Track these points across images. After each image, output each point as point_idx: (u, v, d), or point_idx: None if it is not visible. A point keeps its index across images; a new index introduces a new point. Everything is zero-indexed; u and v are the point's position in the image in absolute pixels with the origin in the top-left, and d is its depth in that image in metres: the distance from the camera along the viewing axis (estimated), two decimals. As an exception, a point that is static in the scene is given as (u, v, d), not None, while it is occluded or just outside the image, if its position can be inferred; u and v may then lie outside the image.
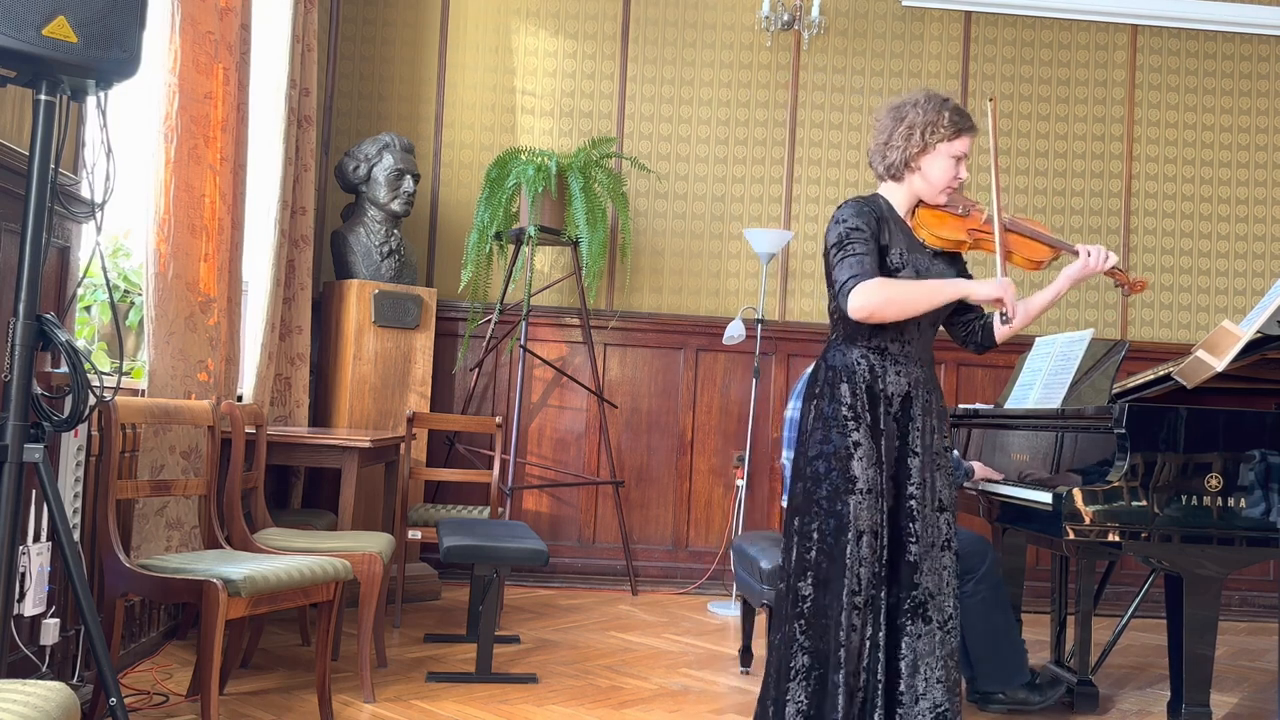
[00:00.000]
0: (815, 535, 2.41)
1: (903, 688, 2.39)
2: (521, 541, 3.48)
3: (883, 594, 2.39)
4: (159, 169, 3.34)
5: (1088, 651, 3.40)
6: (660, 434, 5.47)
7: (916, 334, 2.51)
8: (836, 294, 2.42)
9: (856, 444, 2.41)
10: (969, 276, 2.62)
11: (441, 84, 5.52)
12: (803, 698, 2.37)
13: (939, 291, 2.43)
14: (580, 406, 5.43)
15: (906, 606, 2.41)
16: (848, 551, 2.36)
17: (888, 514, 2.43)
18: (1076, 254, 2.57)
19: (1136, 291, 2.68)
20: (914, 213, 2.58)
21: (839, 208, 2.50)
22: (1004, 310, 2.46)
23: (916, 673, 2.40)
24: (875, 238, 2.45)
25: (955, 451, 3.60)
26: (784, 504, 3.26)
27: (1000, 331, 2.58)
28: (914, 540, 2.43)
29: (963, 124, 2.52)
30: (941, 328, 2.65)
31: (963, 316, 2.65)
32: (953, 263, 2.60)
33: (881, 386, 2.46)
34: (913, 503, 2.44)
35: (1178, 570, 2.84)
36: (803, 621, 2.39)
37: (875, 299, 2.36)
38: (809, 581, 2.40)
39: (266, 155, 4.27)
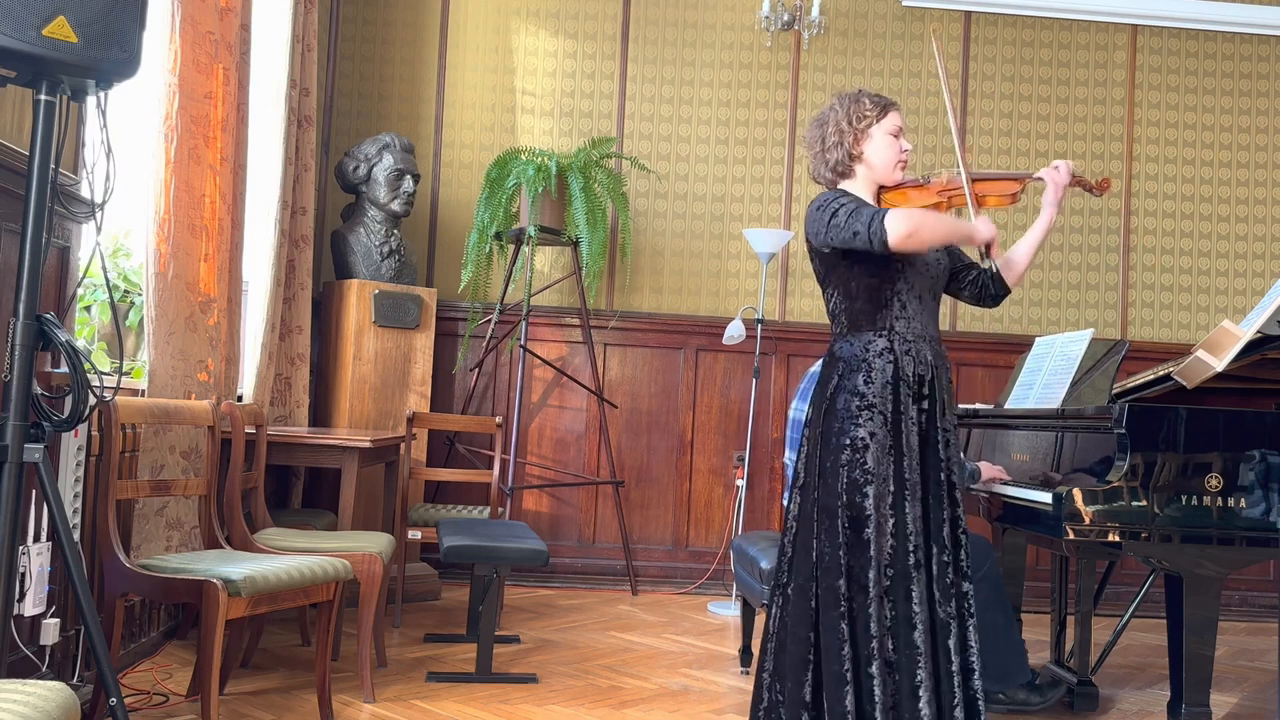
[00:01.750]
0: (839, 531, 2.40)
1: (955, 666, 2.41)
2: (521, 541, 3.48)
3: (915, 578, 2.39)
4: (159, 169, 3.34)
5: (1088, 651, 3.39)
6: (660, 434, 5.47)
7: (919, 309, 2.53)
8: (867, 235, 2.39)
9: (873, 434, 2.42)
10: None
11: (441, 84, 5.52)
12: (847, 695, 2.35)
13: (954, 227, 2.47)
14: (580, 406, 5.43)
15: (950, 582, 2.43)
16: (872, 544, 2.37)
17: (911, 499, 2.43)
18: (1042, 179, 2.66)
19: (1103, 190, 2.77)
20: (879, 200, 2.61)
21: (815, 200, 2.54)
22: (990, 253, 2.53)
23: (950, 653, 2.42)
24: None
25: (960, 453, 3.59)
26: (784, 503, 3.24)
27: (1012, 274, 2.66)
28: (946, 520, 2.46)
29: (884, 101, 2.59)
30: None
31: (968, 275, 2.69)
32: None
33: (898, 371, 2.46)
34: (943, 484, 2.47)
35: (1178, 570, 2.84)
36: (832, 615, 2.38)
37: (912, 221, 2.39)
38: (842, 579, 2.39)
39: (266, 155, 4.27)
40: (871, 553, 2.37)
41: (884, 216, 2.39)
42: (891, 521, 2.40)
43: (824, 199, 2.51)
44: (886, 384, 2.44)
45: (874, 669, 2.34)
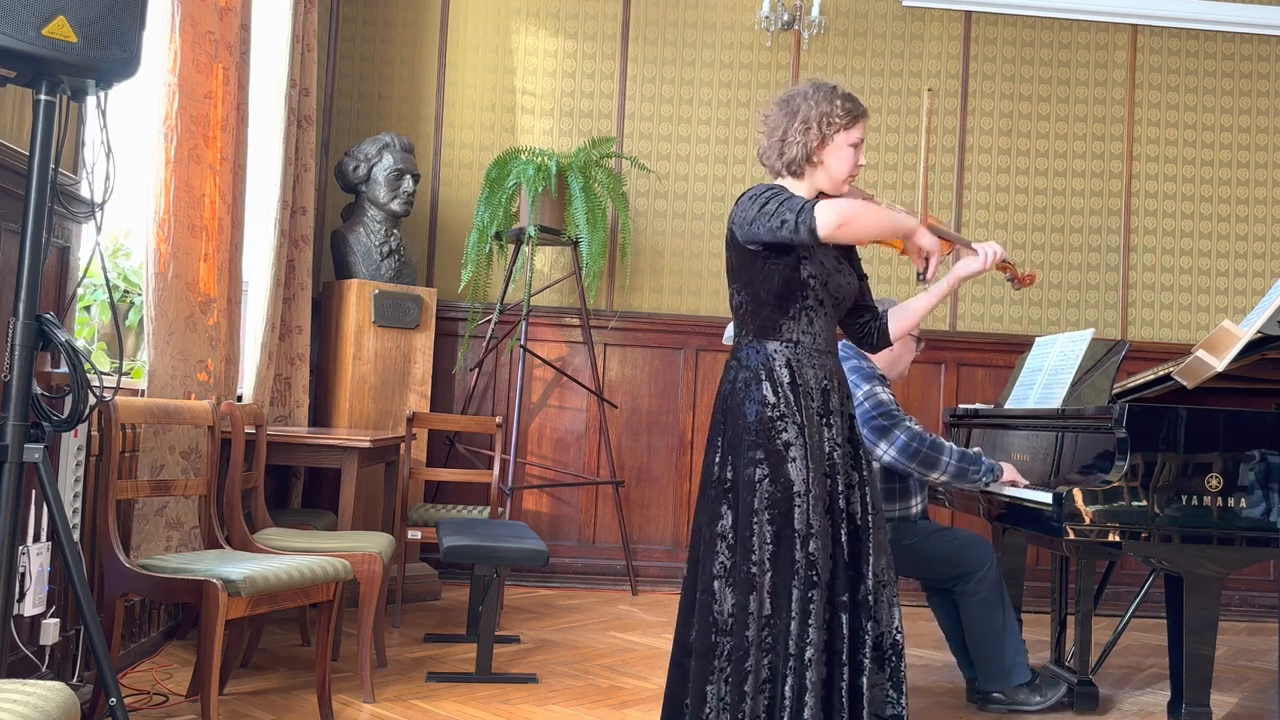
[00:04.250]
0: (756, 545, 2.29)
1: (863, 681, 2.34)
2: (521, 541, 3.48)
3: (828, 593, 2.31)
4: (159, 169, 3.34)
5: (1088, 651, 3.39)
6: (660, 434, 5.47)
7: (824, 325, 2.45)
8: (795, 224, 2.27)
9: (788, 444, 2.32)
10: (864, 275, 2.59)
11: (441, 84, 5.52)
12: (761, 712, 2.26)
13: (893, 221, 2.38)
14: (580, 406, 5.43)
15: (844, 599, 2.33)
16: (795, 558, 2.27)
17: (832, 512, 2.35)
18: (973, 250, 2.56)
19: (1026, 284, 2.72)
20: None
21: (747, 191, 2.42)
22: (923, 270, 2.44)
23: (861, 671, 2.35)
24: None
25: (977, 448, 3.58)
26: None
27: (898, 328, 2.60)
28: (846, 536, 2.36)
29: (856, 110, 2.47)
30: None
31: (859, 318, 2.62)
32: (849, 259, 2.57)
33: (801, 381, 2.38)
34: (841, 500, 2.37)
35: (1178, 570, 2.84)
36: (749, 633, 2.28)
37: (843, 210, 2.28)
38: (757, 595, 2.28)
39: (266, 155, 4.27)
40: (798, 568, 2.27)
41: (814, 205, 2.28)
42: (814, 536, 2.29)
43: (759, 188, 2.39)
44: (793, 393, 2.36)
45: (787, 689, 2.25)
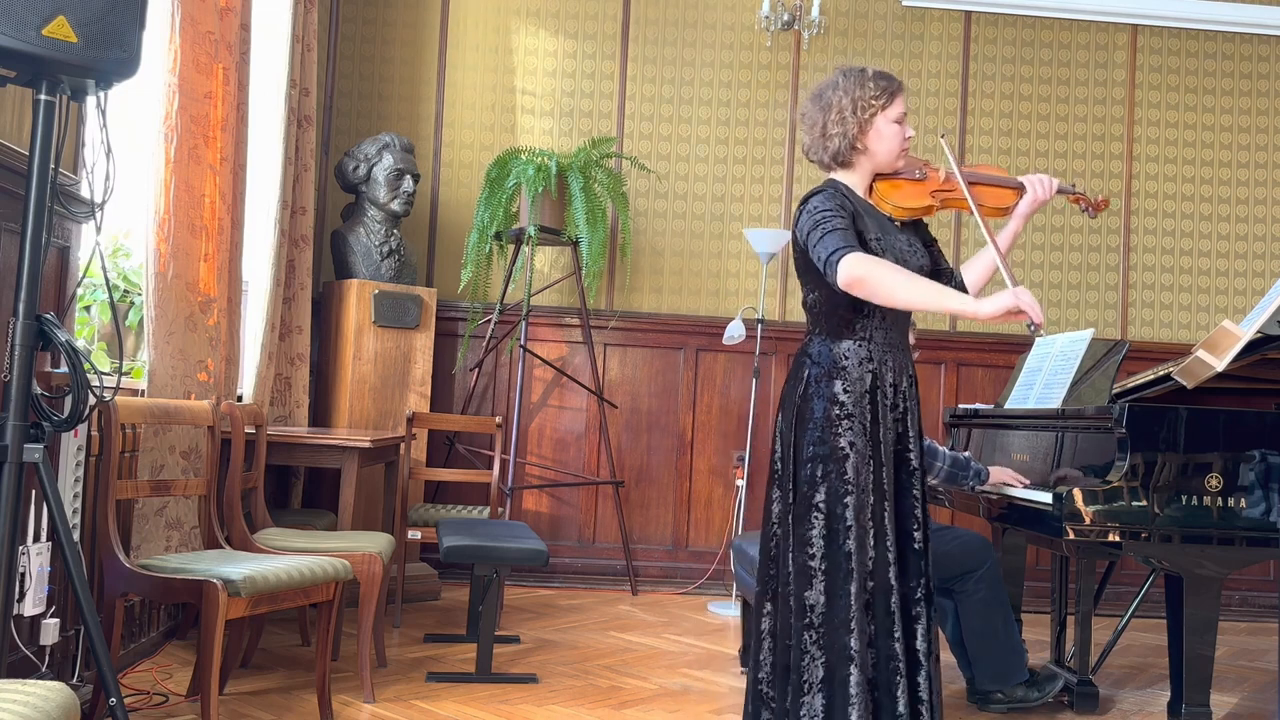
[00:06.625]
0: (814, 540, 2.31)
1: (921, 677, 2.34)
2: (521, 541, 3.48)
3: (895, 589, 2.32)
4: (159, 169, 3.34)
5: (1088, 651, 3.39)
6: (660, 434, 5.47)
7: (897, 318, 2.45)
8: (823, 267, 2.27)
9: (852, 444, 2.33)
10: (933, 240, 2.57)
11: (441, 84, 5.52)
12: (819, 708, 2.28)
13: (932, 299, 2.20)
14: (580, 406, 5.43)
15: (920, 595, 2.37)
16: (851, 553, 2.29)
17: (891, 505, 2.36)
18: (1024, 187, 2.52)
19: (1100, 210, 2.67)
20: (870, 189, 2.50)
21: (806, 197, 2.41)
22: (1030, 322, 2.13)
23: (930, 659, 2.36)
24: (852, 221, 2.36)
25: (967, 453, 3.58)
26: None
27: (975, 279, 2.58)
28: (918, 528, 2.39)
29: (891, 86, 2.43)
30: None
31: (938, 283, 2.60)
32: (917, 231, 2.55)
33: (878, 381, 2.38)
34: (915, 492, 2.40)
35: (1178, 570, 2.84)
36: (813, 631, 2.30)
37: (863, 269, 2.21)
38: (816, 589, 2.30)
39: (266, 155, 4.27)
40: (853, 565, 2.28)
41: (842, 256, 2.23)
42: (872, 533, 2.31)
43: (815, 205, 2.37)
44: (865, 393, 2.36)
45: (853, 686, 2.25)
